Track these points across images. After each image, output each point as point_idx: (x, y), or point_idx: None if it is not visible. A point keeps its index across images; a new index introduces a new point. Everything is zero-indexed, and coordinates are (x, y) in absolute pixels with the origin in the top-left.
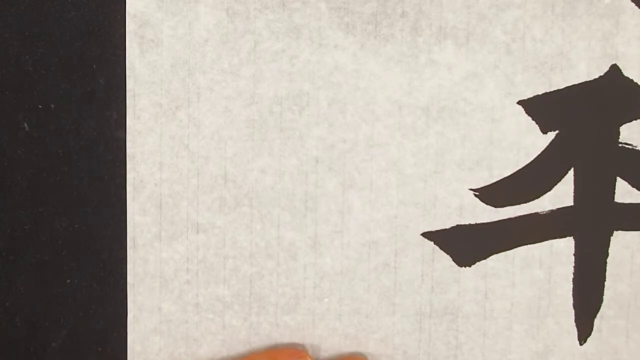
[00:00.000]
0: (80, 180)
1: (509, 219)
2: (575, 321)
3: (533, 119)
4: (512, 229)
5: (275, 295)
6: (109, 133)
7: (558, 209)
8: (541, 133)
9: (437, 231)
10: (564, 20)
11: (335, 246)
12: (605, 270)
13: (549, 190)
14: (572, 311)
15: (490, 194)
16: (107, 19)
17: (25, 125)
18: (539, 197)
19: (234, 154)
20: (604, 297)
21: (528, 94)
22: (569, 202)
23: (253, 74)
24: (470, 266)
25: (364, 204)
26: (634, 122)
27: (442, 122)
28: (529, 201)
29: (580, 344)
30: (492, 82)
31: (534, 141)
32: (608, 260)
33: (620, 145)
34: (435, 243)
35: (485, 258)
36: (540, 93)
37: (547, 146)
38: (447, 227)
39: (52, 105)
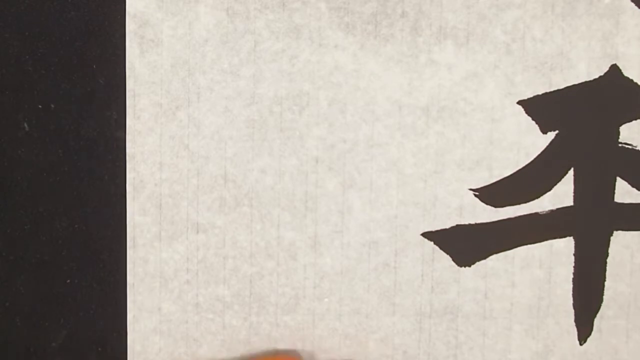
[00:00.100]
0: (80, 180)
1: (509, 219)
2: (575, 321)
3: (533, 119)
4: (512, 229)
5: (275, 296)
6: (109, 133)
7: (558, 209)
8: (541, 133)
9: (437, 231)
10: (564, 20)
11: (335, 246)
12: (605, 270)
13: (549, 190)
14: (572, 311)
15: (490, 194)
16: (107, 19)
17: (25, 125)
18: (539, 197)
19: (234, 154)
20: (604, 297)
21: (528, 94)
22: (569, 202)
23: (253, 74)
24: (470, 266)
25: (364, 204)
26: (634, 122)
27: (442, 122)
28: (528, 201)
29: (580, 344)
30: (492, 82)
31: (534, 141)
32: (608, 260)
33: (620, 145)
34: (435, 243)
35: (485, 258)
36: (540, 93)
37: (547, 146)
38: (447, 227)
39: (52, 105)
